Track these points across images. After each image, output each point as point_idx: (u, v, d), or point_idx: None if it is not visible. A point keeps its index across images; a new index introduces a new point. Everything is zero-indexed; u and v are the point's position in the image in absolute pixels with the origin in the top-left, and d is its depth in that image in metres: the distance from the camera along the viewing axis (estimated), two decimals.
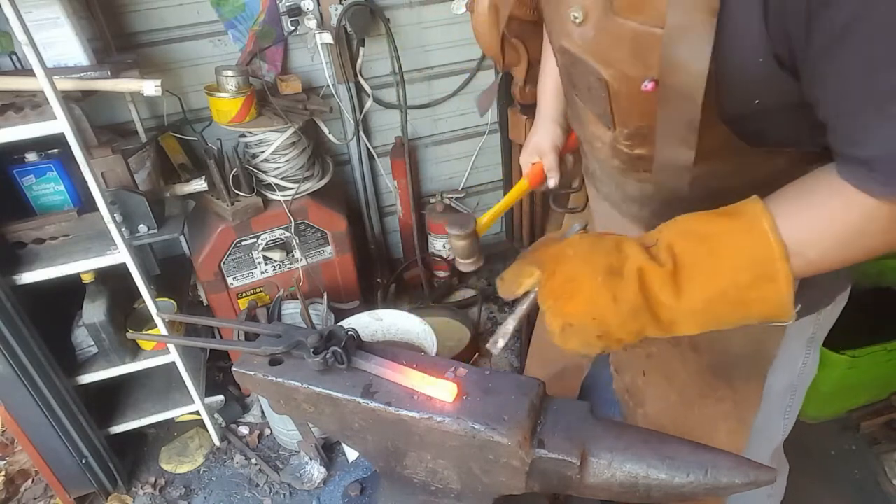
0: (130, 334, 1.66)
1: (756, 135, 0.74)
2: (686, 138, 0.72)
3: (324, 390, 0.84)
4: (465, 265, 1.05)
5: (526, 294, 0.80)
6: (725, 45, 0.63)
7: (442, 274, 2.78)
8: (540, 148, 1.13)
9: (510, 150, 2.59)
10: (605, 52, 0.73)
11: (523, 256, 0.81)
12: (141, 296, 1.79)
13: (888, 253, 0.67)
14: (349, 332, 0.88)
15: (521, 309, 0.82)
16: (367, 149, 2.49)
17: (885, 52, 0.55)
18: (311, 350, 0.84)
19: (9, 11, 1.32)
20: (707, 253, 0.69)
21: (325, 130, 2.31)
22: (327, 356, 0.83)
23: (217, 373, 2.43)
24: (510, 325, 0.84)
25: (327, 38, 2.11)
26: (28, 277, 1.65)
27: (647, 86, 0.69)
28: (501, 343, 0.85)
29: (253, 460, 2.17)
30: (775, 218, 0.67)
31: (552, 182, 1.12)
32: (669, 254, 0.70)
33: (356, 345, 0.88)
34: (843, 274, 0.96)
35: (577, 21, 0.75)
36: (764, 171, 0.78)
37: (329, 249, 2.26)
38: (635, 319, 0.72)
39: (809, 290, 0.91)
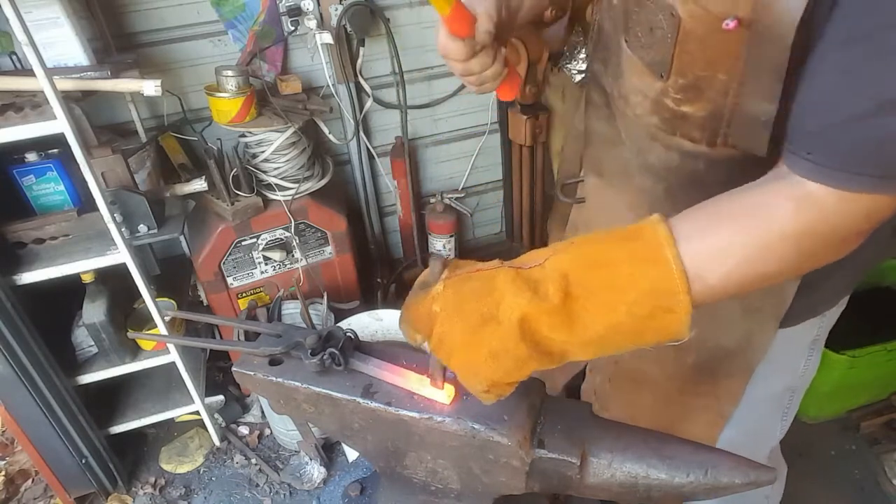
0: (131, 334, 1.66)
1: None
2: (771, 88, 0.65)
3: (324, 390, 0.84)
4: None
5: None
6: None
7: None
8: None
9: (510, 150, 2.60)
10: None
11: (402, 314, 0.74)
12: (141, 296, 1.79)
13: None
14: (347, 334, 0.88)
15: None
16: (367, 149, 2.49)
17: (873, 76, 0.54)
18: (309, 351, 0.84)
19: (9, 11, 1.32)
20: (604, 283, 0.64)
21: (325, 130, 2.31)
22: (324, 357, 0.83)
23: (217, 373, 2.43)
24: (437, 366, 0.78)
25: (327, 38, 2.11)
26: (28, 277, 1.65)
27: (730, 24, 0.63)
28: (440, 382, 0.80)
29: (253, 460, 2.17)
30: (679, 242, 0.62)
31: (484, 28, 0.80)
32: (561, 283, 0.64)
33: (354, 346, 0.88)
34: (849, 276, 0.95)
35: None
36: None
37: (329, 249, 2.26)
38: (522, 367, 0.66)
39: (813, 294, 0.90)
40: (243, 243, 2.09)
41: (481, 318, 0.66)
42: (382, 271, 2.72)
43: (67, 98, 1.56)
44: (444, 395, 0.80)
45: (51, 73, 1.42)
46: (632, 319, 0.63)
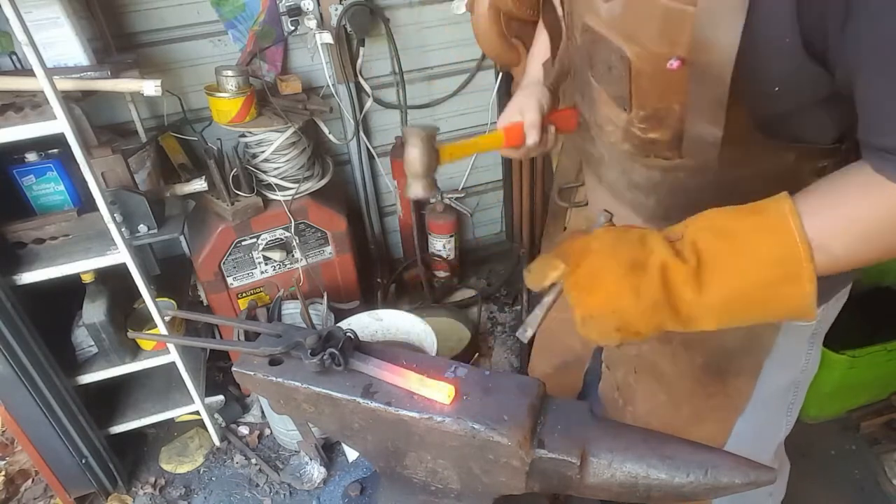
0: (131, 334, 1.66)
1: (770, 125, 0.74)
2: (715, 116, 0.71)
3: (324, 390, 0.84)
4: (415, 187, 0.94)
5: (553, 285, 0.80)
6: (754, 24, 0.62)
7: (442, 274, 2.78)
8: (523, 106, 1.05)
9: None
10: (631, 28, 0.73)
11: (549, 250, 0.81)
12: (141, 296, 1.79)
13: None
14: (347, 334, 0.88)
15: (549, 300, 0.81)
16: (367, 149, 2.49)
17: None
18: (309, 351, 0.84)
19: (9, 11, 1.32)
20: (731, 250, 0.69)
21: (325, 130, 2.31)
22: (324, 357, 0.83)
23: (217, 373, 2.43)
24: (538, 314, 0.83)
25: (327, 38, 2.11)
26: (28, 277, 1.65)
27: (673, 64, 0.69)
28: (530, 332, 0.83)
29: (253, 460, 2.17)
30: (802, 216, 0.66)
31: (531, 140, 1.02)
32: (693, 250, 0.70)
33: (354, 346, 0.88)
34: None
35: None
36: (773, 164, 0.78)
37: (329, 249, 2.26)
38: (655, 313, 0.72)
39: None
40: (243, 243, 2.09)
41: (633, 262, 0.73)
42: (382, 271, 2.72)
43: (67, 98, 1.56)
44: (444, 394, 0.80)
45: (51, 73, 1.42)
46: (756, 287, 0.68)
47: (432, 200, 2.66)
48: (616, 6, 0.74)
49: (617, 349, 1.16)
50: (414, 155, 0.93)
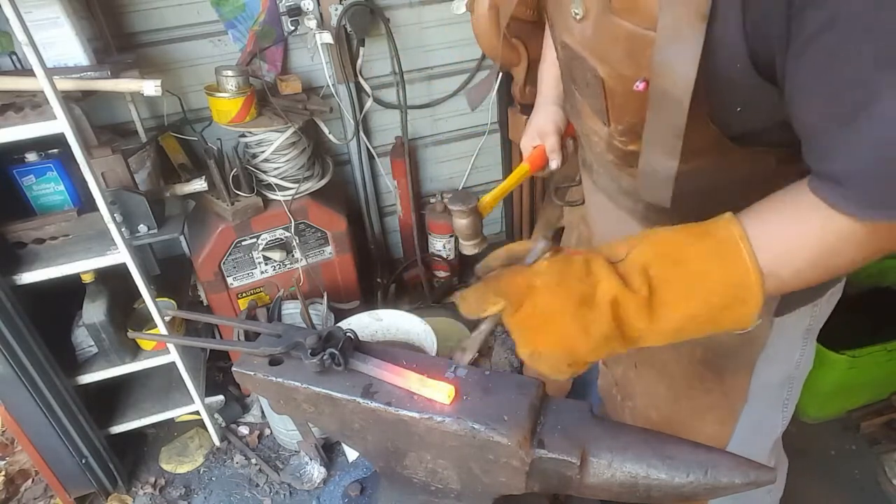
0: (131, 334, 1.66)
1: (743, 137, 0.74)
2: (672, 146, 0.71)
3: (324, 390, 0.84)
4: (469, 247, 1.05)
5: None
6: (710, 50, 0.63)
7: (442, 274, 2.78)
8: (542, 130, 1.12)
9: (510, 150, 2.60)
10: (602, 49, 0.74)
11: (487, 280, 0.78)
12: (141, 296, 1.79)
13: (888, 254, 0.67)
14: (347, 334, 0.88)
15: (486, 328, 0.82)
16: (367, 149, 2.49)
17: (851, 65, 0.55)
18: (309, 351, 0.84)
19: (9, 11, 1.32)
20: (682, 278, 0.69)
21: (325, 130, 2.31)
22: (324, 358, 0.83)
23: (217, 373, 2.43)
24: (477, 339, 0.84)
25: (327, 38, 2.11)
26: (28, 277, 1.65)
27: (640, 86, 0.69)
28: (469, 356, 0.84)
29: (253, 460, 2.17)
30: (750, 239, 0.66)
31: (554, 164, 1.11)
32: (644, 277, 0.69)
33: (354, 346, 0.88)
34: None
35: (578, 17, 0.75)
36: (753, 168, 0.78)
37: (329, 249, 2.26)
38: (606, 345, 0.72)
39: None
40: (243, 243, 2.09)
41: (581, 297, 0.71)
42: (382, 271, 2.72)
43: (67, 98, 1.56)
44: (444, 395, 0.80)
45: (51, 73, 1.42)
46: (708, 311, 0.68)
47: (432, 200, 2.65)
48: (587, 27, 0.75)
49: None
50: (464, 224, 1.06)
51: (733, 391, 1.05)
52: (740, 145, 0.75)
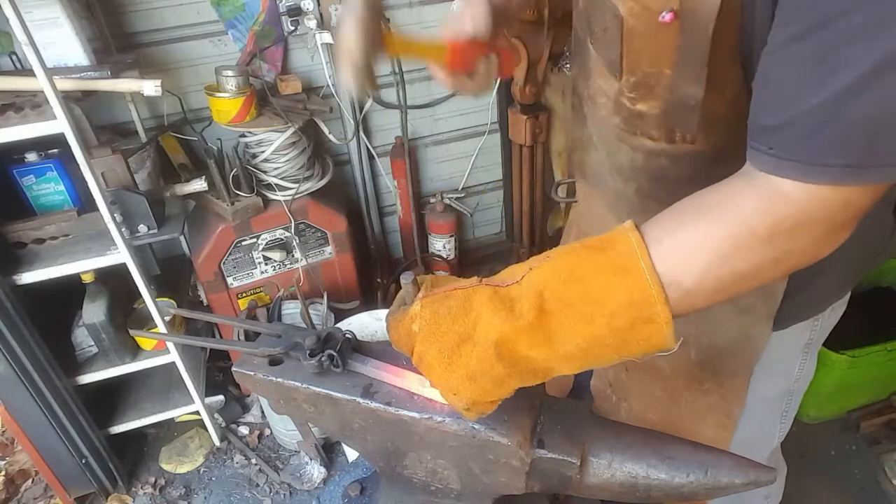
0: (132, 331, 1.66)
1: None
2: (698, 73, 0.68)
3: (323, 390, 0.84)
4: (347, 75, 0.73)
5: None
6: None
7: (442, 274, 2.78)
8: (466, 12, 0.81)
9: (510, 150, 2.60)
10: None
11: (389, 324, 0.75)
12: (141, 296, 1.79)
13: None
14: (346, 335, 0.88)
15: None
16: (367, 149, 2.49)
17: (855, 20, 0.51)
18: (307, 352, 0.84)
19: (9, 11, 1.32)
20: (579, 296, 0.63)
21: (325, 130, 2.31)
22: (322, 359, 0.83)
23: (217, 373, 2.43)
24: None
25: (327, 38, 2.11)
26: (28, 277, 1.65)
27: (666, 17, 0.65)
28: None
29: (253, 460, 2.17)
30: (650, 246, 0.62)
31: (479, 24, 0.79)
32: (537, 299, 0.64)
33: (353, 347, 0.88)
34: (839, 279, 0.96)
35: None
36: None
37: (329, 249, 2.26)
38: (502, 386, 0.67)
39: (800, 296, 0.91)
40: (243, 243, 2.09)
41: (458, 339, 0.66)
42: (382, 271, 2.72)
43: (67, 98, 1.56)
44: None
45: (51, 73, 1.42)
46: (611, 332, 0.62)
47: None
48: None
49: None
50: (348, 34, 0.71)
51: (731, 393, 1.04)
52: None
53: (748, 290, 0.65)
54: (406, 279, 0.74)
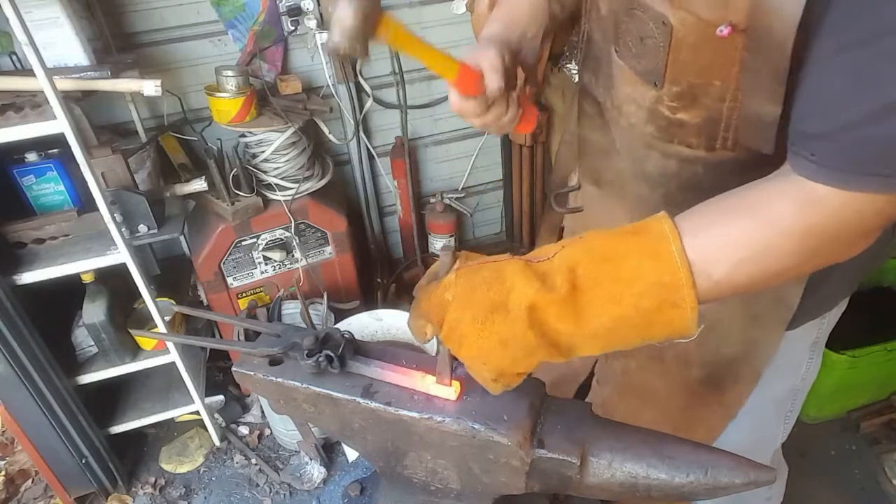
0: (132, 331, 1.66)
1: None
2: (774, 91, 0.66)
3: (323, 390, 0.84)
4: (341, 39, 0.69)
5: None
6: None
7: None
8: (478, 54, 0.84)
9: (510, 150, 2.60)
10: None
11: (413, 305, 0.75)
12: (141, 296, 1.79)
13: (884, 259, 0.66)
14: (345, 336, 0.88)
15: (443, 349, 0.76)
16: (367, 149, 2.49)
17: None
18: (305, 353, 0.84)
19: (9, 11, 1.32)
20: (610, 276, 0.64)
21: (325, 130, 2.31)
22: (320, 359, 0.83)
23: (217, 373, 2.43)
24: (443, 364, 0.77)
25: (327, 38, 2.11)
26: (28, 277, 1.65)
27: (724, 31, 0.64)
28: (446, 379, 0.79)
29: (253, 460, 2.17)
30: (683, 236, 0.63)
31: (494, 84, 0.82)
32: (569, 275, 0.65)
33: (353, 348, 0.88)
34: (848, 278, 0.95)
35: None
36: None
37: (329, 249, 2.26)
38: (530, 356, 0.68)
39: (813, 296, 0.90)
40: (243, 243, 2.09)
41: (492, 306, 0.67)
42: (382, 271, 2.72)
43: (67, 98, 1.56)
44: (450, 391, 0.80)
45: (51, 73, 1.42)
46: (638, 313, 0.64)
47: (432, 200, 2.65)
48: None
49: (605, 362, 1.13)
50: (347, 11, 0.68)
51: (733, 402, 1.04)
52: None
53: (774, 285, 0.67)
54: (445, 251, 0.74)
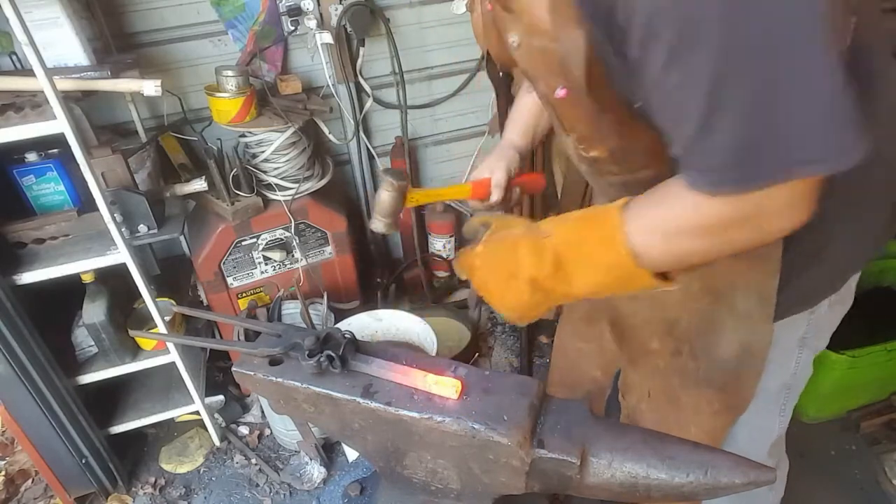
0: (132, 332, 1.66)
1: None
2: (608, 130, 0.82)
3: (323, 390, 0.84)
4: (380, 223, 1.13)
5: None
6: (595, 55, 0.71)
7: (442, 274, 2.78)
8: (493, 166, 1.23)
9: None
10: (534, 68, 0.83)
11: (459, 255, 0.98)
12: (141, 296, 1.79)
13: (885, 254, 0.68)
14: (346, 336, 0.88)
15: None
16: (367, 149, 2.49)
17: (694, 78, 0.62)
18: (306, 353, 0.84)
19: (9, 11, 1.32)
20: (582, 256, 0.82)
21: (325, 130, 2.31)
22: (321, 359, 0.83)
23: (217, 373, 2.43)
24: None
25: (327, 38, 2.11)
26: (28, 277, 1.65)
27: (560, 93, 0.78)
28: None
29: (253, 460, 2.17)
30: (629, 221, 0.77)
31: (495, 197, 1.22)
32: (553, 256, 0.84)
33: (354, 348, 0.88)
34: (831, 274, 0.97)
35: (515, 45, 0.83)
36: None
37: (329, 249, 2.27)
38: (539, 305, 0.89)
39: (792, 289, 0.93)
40: (243, 243, 2.09)
41: (508, 274, 0.88)
42: (382, 271, 2.72)
43: (67, 98, 1.56)
44: (451, 390, 0.80)
45: (51, 73, 1.42)
46: (610, 279, 0.81)
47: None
48: (522, 53, 0.83)
49: (633, 371, 1.20)
50: (385, 199, 1.12)
51: (744, 398, 1.06)
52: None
53: (715, 260, 0.79)
54: (482, 230, 0.97)
